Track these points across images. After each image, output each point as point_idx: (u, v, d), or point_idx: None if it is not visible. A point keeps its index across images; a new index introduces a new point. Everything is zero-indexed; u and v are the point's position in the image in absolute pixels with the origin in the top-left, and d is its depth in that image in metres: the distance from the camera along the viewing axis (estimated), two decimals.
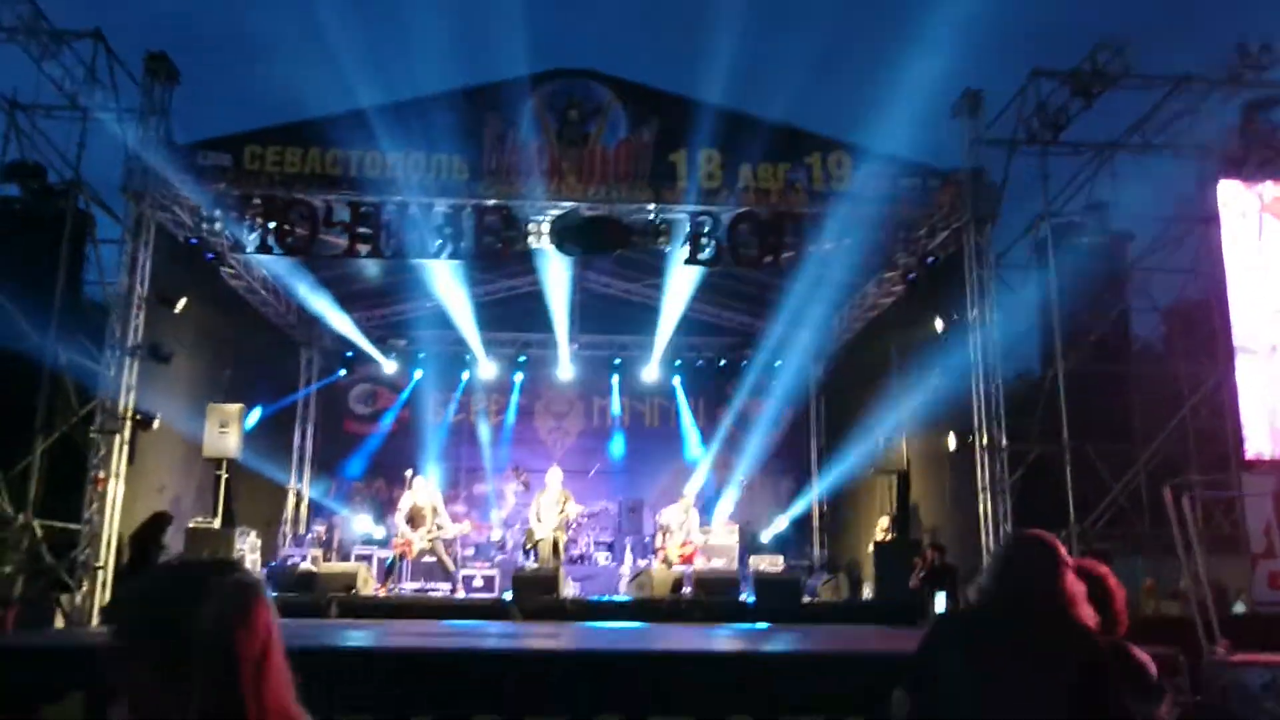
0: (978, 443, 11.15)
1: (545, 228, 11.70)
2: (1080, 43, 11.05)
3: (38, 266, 10.57)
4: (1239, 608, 10.33)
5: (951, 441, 11.50)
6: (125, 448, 10.57)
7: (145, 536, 9.36)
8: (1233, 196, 11.00)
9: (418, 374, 17.70)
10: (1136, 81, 11.27)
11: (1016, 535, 2.53)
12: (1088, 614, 2.32)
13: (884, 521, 13.44)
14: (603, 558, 14.94)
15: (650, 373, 17.43)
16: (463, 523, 13.81)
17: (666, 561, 12.82)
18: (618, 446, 17.80)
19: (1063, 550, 2.42)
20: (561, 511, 12.48)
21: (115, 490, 10.39)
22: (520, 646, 5.77)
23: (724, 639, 7.88)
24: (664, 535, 13.24)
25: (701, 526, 13.90)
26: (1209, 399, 10.92)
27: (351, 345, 17.18)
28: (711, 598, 11.11)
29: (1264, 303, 10.71)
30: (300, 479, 17.01)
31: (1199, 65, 11.27)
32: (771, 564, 14.22)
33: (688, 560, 12.85)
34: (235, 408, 11.74)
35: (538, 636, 7.10)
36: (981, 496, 11.04)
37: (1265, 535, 10.01)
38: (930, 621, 2.45)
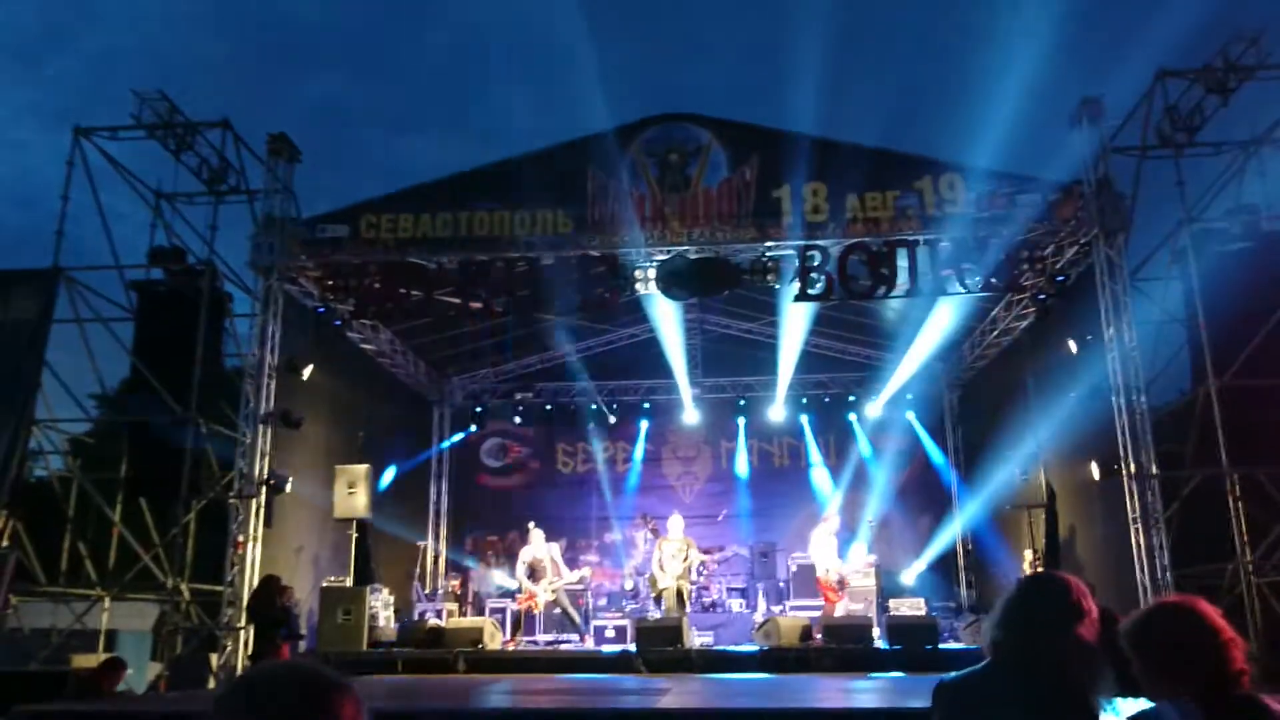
0: (1124, 471, 10.38)
1: (652, 273, 11.67)
2: (1196, 42, 10.36)
3: (181, 343, 11.26)
4: None
5: (1095, 471, 10.74)
6: (262, 511, 11.04)
7: (257, 606, 9.76)
8: None
9: (546, 426, 17.89)
10: (1277, 72, 10.47)
11: (1031, 577, 2.23)
12: (1104, 669, 1.98)
13: (1029, 557, 12.62)
14: (736, 604, 14.60)
15: (776, 412, 17.05)
16: (582, 569, 13.76)
17: (832, 592, 12.26)
18: (746, 489, 17.42)
19: (1083, 596, 2.07)
20: (685, 560, 12.27)
21: (253, 553, 10.85)
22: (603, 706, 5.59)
23: (853, 691, 7.49)
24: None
25: None
26: None
27: (481, 401, 17.64)
28: (842, 645, 10.63)
29: None
30: (436, 534, 17.39)
31: None
32: (913, 607, 13.47)
33: (827, 591, 12.25)
34: (362, 468, 12.10)
35: (633, 693, 6.90)
36: (1133, 529, 10.25)
37: None
38: (932, 692, 2.15)
